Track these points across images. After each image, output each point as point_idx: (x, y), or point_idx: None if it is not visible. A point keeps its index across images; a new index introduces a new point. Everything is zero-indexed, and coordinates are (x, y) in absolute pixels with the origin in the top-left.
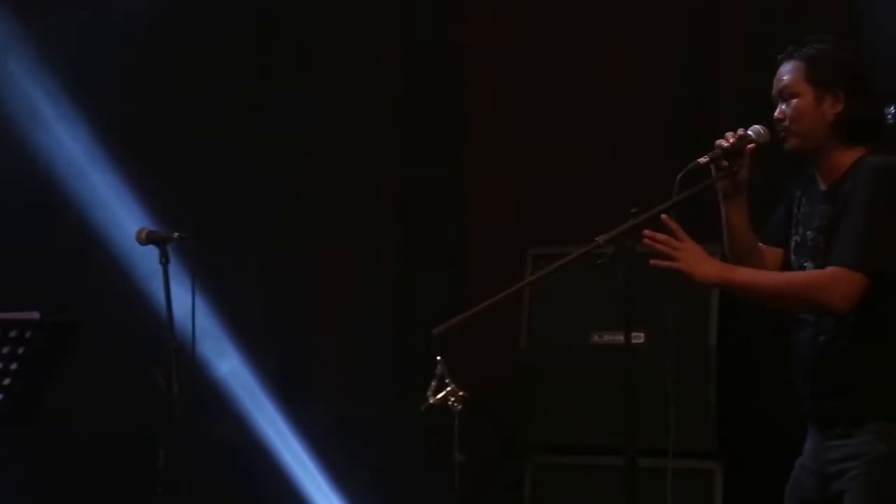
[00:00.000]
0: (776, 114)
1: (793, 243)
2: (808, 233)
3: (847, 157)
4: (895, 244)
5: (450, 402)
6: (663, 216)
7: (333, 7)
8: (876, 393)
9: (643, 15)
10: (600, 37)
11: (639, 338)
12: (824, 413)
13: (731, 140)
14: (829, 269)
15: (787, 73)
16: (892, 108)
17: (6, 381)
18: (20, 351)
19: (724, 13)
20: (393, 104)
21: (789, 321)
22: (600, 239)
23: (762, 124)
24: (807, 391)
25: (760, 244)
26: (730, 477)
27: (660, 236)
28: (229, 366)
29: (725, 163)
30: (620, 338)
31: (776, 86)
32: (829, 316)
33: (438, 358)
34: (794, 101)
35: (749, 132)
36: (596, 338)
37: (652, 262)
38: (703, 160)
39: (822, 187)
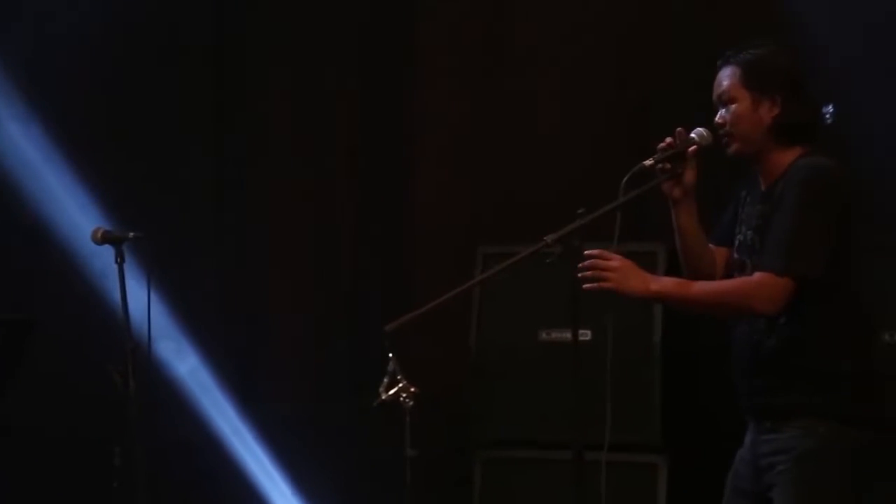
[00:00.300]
0: (717, 119)
1: (736, 242)
2: (749, 232)
3: (785, 158)
4: (820, 250)
5: (402, 399)
6: (585, 261)
7: (289, 6)
8: (803, 390)
9: (595, 17)
10: (552, 37)
11: (586, 335)
12: (758, 409)
13: (670, 142)
14: (757, 276)
15: (725, 78)
16: (829, 107)
17: None
18: None
19: (672, 16)
20: (347, 105)
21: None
22: (548, 238)
23: (706, 127)
24: (744, 388)
25: (711, 245)
26: (673, 471)
27: (587, 263)
28: (187, 366)
29: (669, 165)
30: (568, 335)
31: (716, 91)
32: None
33: (391, 355)
34: (733, 106)
35: (692, 135)
36: (544, 335)
37: (584, 287)
38: (647, 162)
39: (762, 188)
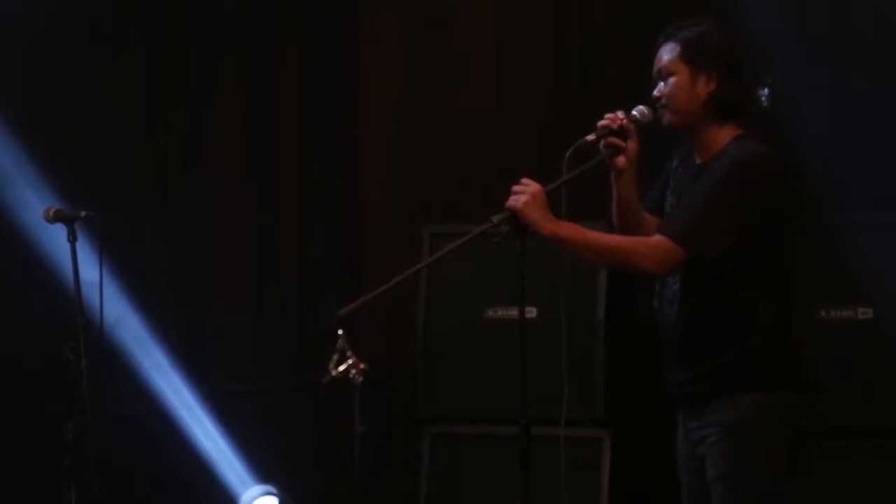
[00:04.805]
0: (654, 92)
1: (665, 213)
2: (675, 202)
3: (722, 136)
4: (720, 233)
5: (351, 375)
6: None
7: None
8: (722, 371)
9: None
10: (496, 13)
11: (531, 312)
12: (684, 397)
13: (614, 121)
14: (656, 238)
15: (664, 53)
16: (764, 90)
17: None
18: None
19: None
20: (292, 83)
21: (655, 300)
22: (495, 219)
23: (645, 105)
24: (668, 376)
25: (646, 214)
26: (617, 445)
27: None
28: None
29: (613, 139)
30: (514, 313)
31: (655, 66)
32: (676, 288)
33: (339, 332)
34: (671, 79)
35: (633, 112)
36: (490, 313)
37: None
38: (590, 138)
39: (697, 161)
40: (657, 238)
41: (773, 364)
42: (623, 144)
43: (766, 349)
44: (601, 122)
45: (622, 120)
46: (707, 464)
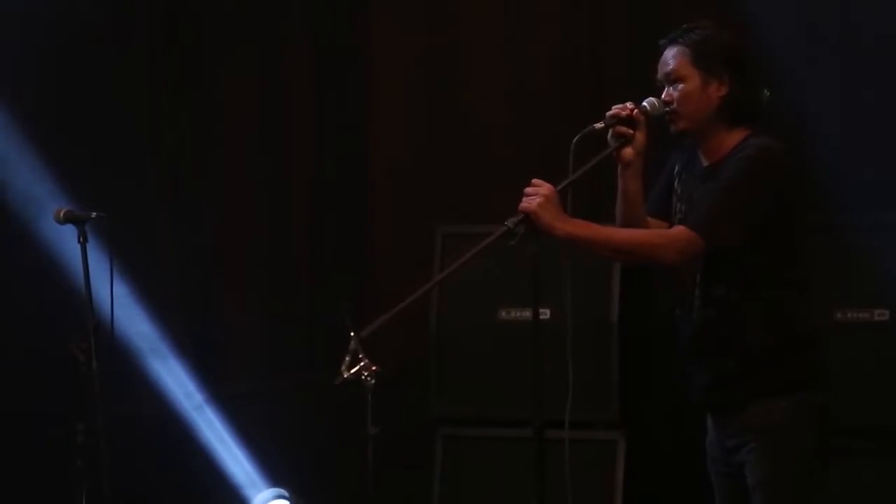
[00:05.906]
0: (663, 97)
1: (676, 220)
2: (684, 208)
3: (731, 139)
4: (741, 224)
5: (363, 377)
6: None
7: None
8: (751, 378)
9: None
10: (505, 13)
11: (545, 314)
12: (712, 404)
13: (623, 109)
14: (676, 229)
15: (672, 57)
16: (765, 90)
17: None
18: None
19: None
20: (301, 86)
21: (675, 303)
22: (510, 222)
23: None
24: (693, 380)
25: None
26: (631, 447)
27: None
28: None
29: (622, 128)
30: (527, 314)
31: (661, 70)
32: (695, 290)
33: (352, 334)
34: (681, 84)
35: (644, 104)
36: (504, 314)
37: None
38: (598, 125)
39: (704, 164)
40: (677, 229)
41: (800, 363)
42: (631, 134)
43: (792, 348)
44: (610, 112)
45: (632, 110)
46: (746, 470)
